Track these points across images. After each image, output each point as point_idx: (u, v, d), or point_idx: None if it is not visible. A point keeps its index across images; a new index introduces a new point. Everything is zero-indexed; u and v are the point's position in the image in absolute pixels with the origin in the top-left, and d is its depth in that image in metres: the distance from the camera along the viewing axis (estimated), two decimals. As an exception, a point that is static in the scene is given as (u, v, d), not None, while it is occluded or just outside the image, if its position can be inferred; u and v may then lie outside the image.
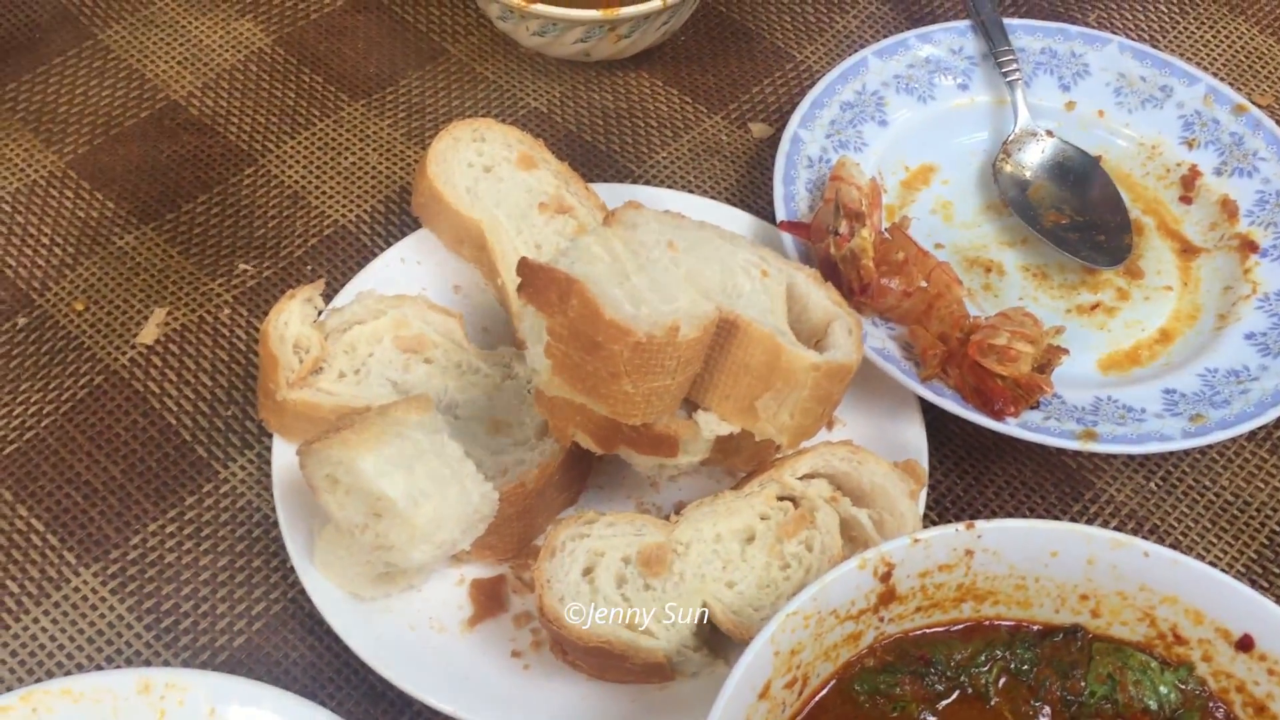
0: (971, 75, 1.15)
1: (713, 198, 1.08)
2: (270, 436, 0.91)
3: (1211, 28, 1.28)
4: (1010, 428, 0.90)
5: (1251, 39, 1.27)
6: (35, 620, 0.86)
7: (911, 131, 1.12)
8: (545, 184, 1.00)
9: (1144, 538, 0.74)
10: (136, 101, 1.16)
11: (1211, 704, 0.74)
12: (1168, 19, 1.29)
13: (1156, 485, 0.97)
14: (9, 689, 0.81)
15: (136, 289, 1.03)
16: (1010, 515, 0.95)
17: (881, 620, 0.74)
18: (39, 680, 0.81)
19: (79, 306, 1.02)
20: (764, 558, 0.83)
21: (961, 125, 1.14)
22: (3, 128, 1.13)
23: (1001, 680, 0.74)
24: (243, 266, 1.05)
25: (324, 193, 1.11)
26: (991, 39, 1.14)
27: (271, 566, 0.89)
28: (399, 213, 1.10)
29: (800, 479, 0.85)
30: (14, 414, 0.96)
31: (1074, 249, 1.05)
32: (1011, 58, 1.13)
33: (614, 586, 0.81)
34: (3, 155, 1.11)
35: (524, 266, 0.78)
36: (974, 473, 0.97)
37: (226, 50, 1.20)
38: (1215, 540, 0.94)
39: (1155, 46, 1.24)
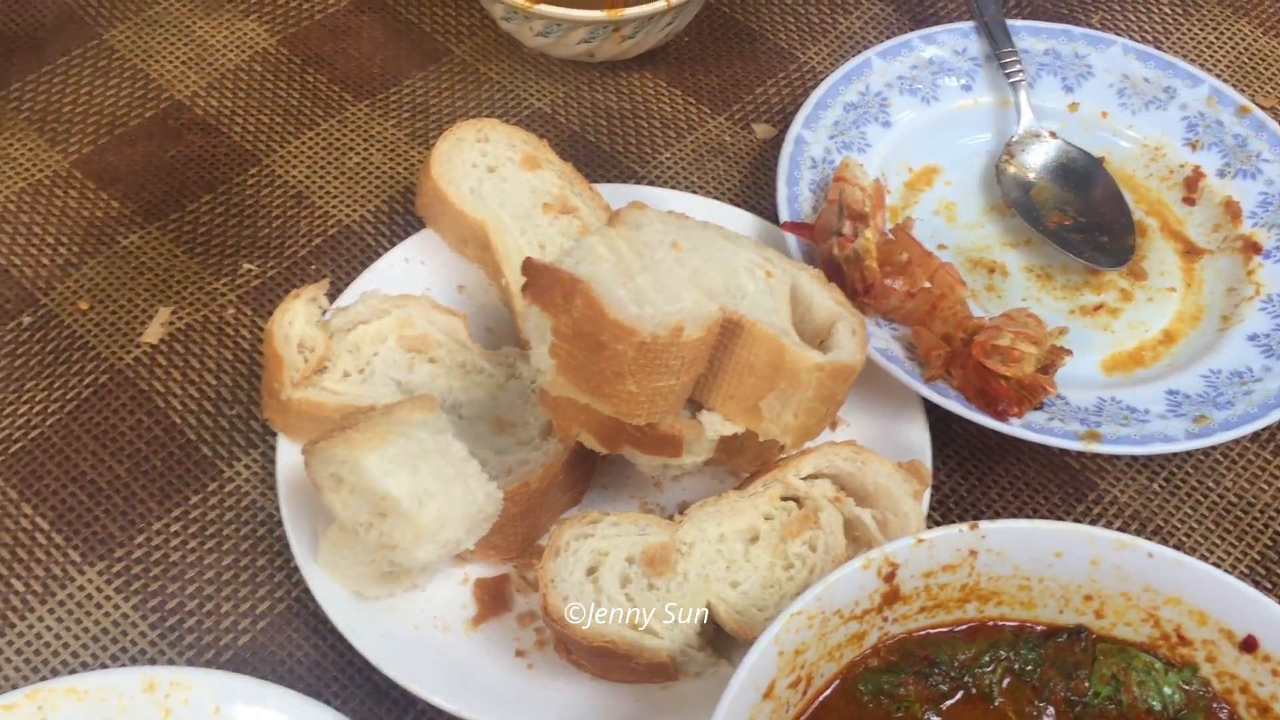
0: (975, 76, 1.15)
1: (716, 198, 1.08)
2: (274, 436, 0.91)
3: (1215, 29, 1.28)
4: (1014, 428, 0.90)
5: (1255, 41, 1.27)
6: (40, 619, 0.86)
7: (915, 132, 1.12)
8: (549, 184, 1.01)
9: (1147, 539, 0.74)
10: (141, 101, 1.16)
11: (1215, 705, 0.74)
12: (1171, 21, 1.29)
13: (1160, 486, 0.97)
14: (14, 687, 0.81)
15: (141, 288, 1.04)
16: (1013, 516, 0.95)
17: (885, 620, 0.74)
18: (44, 678, 0.81)
19: (84, 305, 1.02)
20: (768, 558, 0.83)
21: (965, 126, 1.14)
22: (8, 127, 1.13)
23: (1005, 681, 0.74)
24: (247, 266, 1.05)
25: (328, 193, 1.11)
26: (995, 40, 1.14)
27: (276, 565, 0.89)
28: (403, 213, 1.10)
29: (804, 479, 0.86)
30: (19, 412, 0.96)
31: (1077, 250, 1.05)
32: (1015, 59, 1.13)
33: (618, 586, 0.81)
34: (8, 155, 1.11)
35: (529, 266, 0.78)
36: (977, 473, 0.97)
37: (231, 50, 1.20)
38: (1219, 541, 0.95)
39: (1159, 48, 1.24)
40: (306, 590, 0.86)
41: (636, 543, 0.82)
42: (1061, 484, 0.97)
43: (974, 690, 0.74)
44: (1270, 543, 0.95)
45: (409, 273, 0.99)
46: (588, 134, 1.16)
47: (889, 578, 0.73)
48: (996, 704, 0.74)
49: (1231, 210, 1.08)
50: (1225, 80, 1.22)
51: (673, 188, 1.11)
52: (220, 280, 1.04)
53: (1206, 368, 0.98)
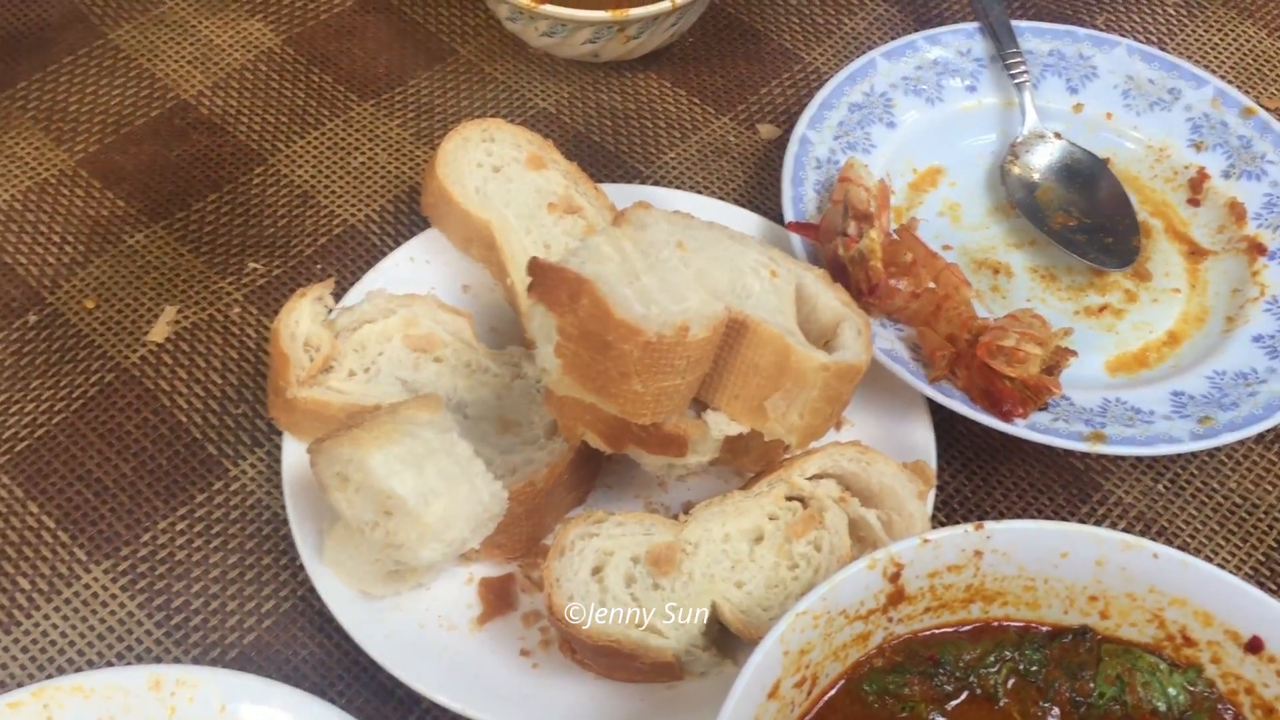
0: (979, 77, 1.15)
1: (721, 198, 1.08)
2: (280, 434, 0.91)
3: (1220, 31, 1.28)
4: (1018, 429, 0.90)
5: (1260, 42, 1.27)
6: (46, 617, 0.87)
7: (919, 133, 1.12)
8: (554, 184, 1.01)
9: (1152, 540, 0.74)
10: (147, 100, 1.16)
11: (1220, 706, 0.74)
12: (1176, 22, 1.29)
13: (1164, 487, 0.97)
14: (20, 685, 0.81)
15: (147, 287, 1.04)
16: (1018, 516, 0.95)
17: (890, 620, 0.74)
18: (50, 676, 0.81)
19: (89, 304, 1.02)
20: (772, 558, 0.83)
21: (969, 127, 1.14)
22: (13, 126, 1.14)
23: (1010, 681, 0.74)
24: (252, 265, 1.06)
25: (333, 192, 1.11)
26: (1000, 41, 1.15)
27: (281, 564, 0.89)
28: (408, 212, 1.10)
29: (809, 479, 0.86)
30: (25, 411, 0.96)
31: (1082, 251, 1.05)
32: (1019, 60, 1.13)
33: (623, 586, 0.81)
34: (14, 154, 1.12)
35: (534, 266, 0.78)
36: (982, 474, 0.97)
37: (236, 50, 1.21)
38: (1223, 542, 0.95)
39: (1163, 49, 1.24)
40: (312, 589, 0.86)
41: (642, 542, 0.82)
42: (1066, 485, 0.97)
43: (979, 691, 0.74)
44: (1275, 544, 0.95)
45: (414, 272, 0.99)
46: (592, 134, 1.16)
47: (894, 578, 0.73)
48: (1001, 704, 0.74)
49: (1236, 211, 1.09)
50: (1230, 82, 1.22)
51: (677, 188, 1.12)
52: (226, 279, 1.05)
53: (1211, 369, 0.98)
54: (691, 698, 0.81)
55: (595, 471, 0.92)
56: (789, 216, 1.01)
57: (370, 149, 1.14)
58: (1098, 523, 0.95)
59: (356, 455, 0.78)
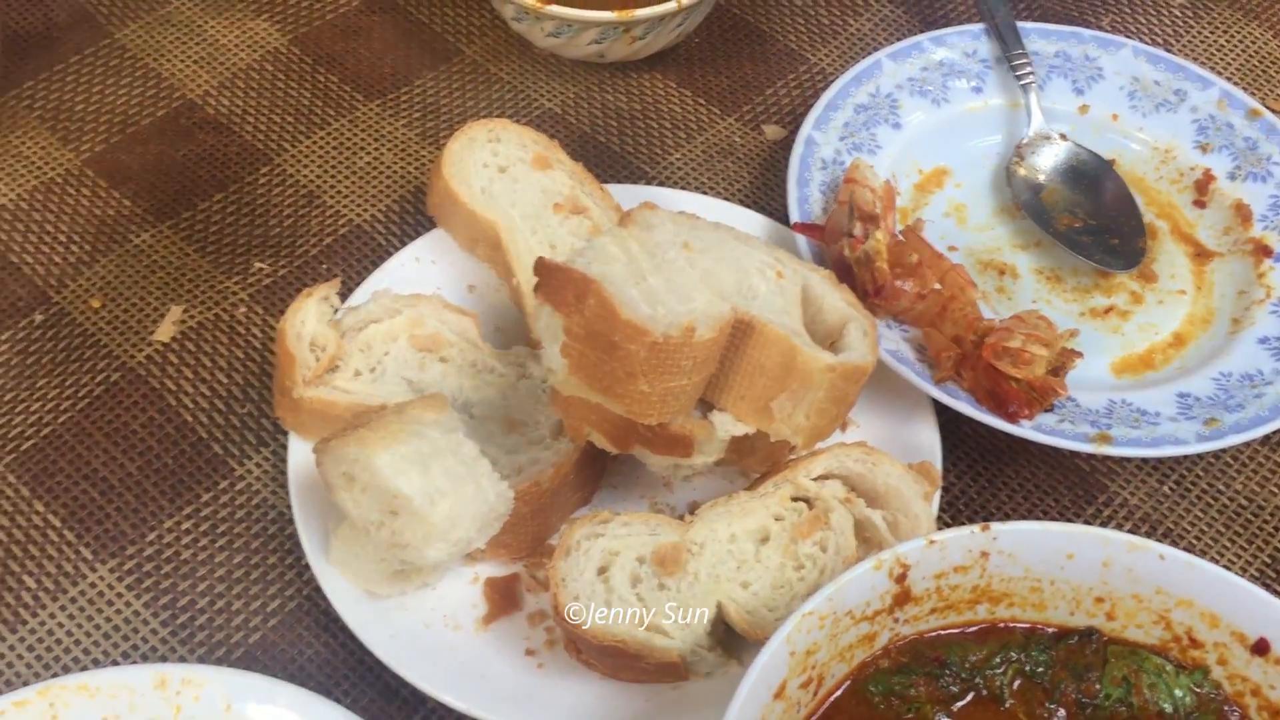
0: (985, 78, 1.15)
1: (726, 199, 1.09)
2: (286, 434, 0.91)
3: (1225, 32, 1.28)
4: (1024, 430, 0.90)
5: (1266, 44, 1.27)
6: (52, 615, 0.87)
7: (925, 134, 1.12)
8: (560, 184, 1.01)
9: (1157, 541, 0.74)
10: (153, 100, 1.16)
11: (1226, 708, 0.74)
12: (1181, 23, 1.29)
13: (1170, 489, 0.97)
14: (26, 684, 0.82)
15: (153, 286, 1.04)
16: (1024, 518, 0.95)
17: (896, 621, 0.74)
18: (56, 675, 0.82)
19: (95, 304, 1.02)
20: (778, 558, 0.83)
21: (975, 128, 1.14)
22: (20, 126, 1.14)
23: (1016, 682, 0.74)
24: (258, 265, 1.06)
25: (339, 192, 1.11)
26: (1005, 42, 1.14)
27: (287, 564, 0.89)
28: (414, 212, 1.10)
29: (814, 480, 0.86)
30: (31, 410, 0.96)
31: (1087, 252, 1.05)
32: (1025, 61, 1.13)
33: (629, 586, 0.81)
34: (20, 153, 1.12)
35: (541, 266, 0.78)
36: (987, 475, 0.97)
37: (242, 50, 1.21)
38: (1229, 544, 0.94)
39: (1169, 51, 1.24)
40: (317, 588, 0.86)
41: (647, 542, 0.82)
42: (1072, 486, 0.97)
43: (985, 692, 0.74)
44: (1280, 546, 0.95)
45: (420, 272, 0.99)
46: (598, 134, 1.16)
47: (900, 579, 0.73)
48: (1007, 705, 0.74)
49: (1242, 213, 1.08)
50: (1236, 83, 1.22)
51: (683, 188, 1.12)
52: (232, 279, 1.05)
53: (1217, 370, 0.98)
54: (697, 698, 0.81)
55: (600, 472, 0.92)
56: (794, 217, 1.01)
57: (376, 149, 1.14)
58: (1103, 524, 0.95)
59: (363, 455, 0.78)
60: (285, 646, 0.86)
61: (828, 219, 1.00)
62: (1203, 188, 1.11)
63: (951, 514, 0.95)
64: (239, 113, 1.16)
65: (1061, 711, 0.73)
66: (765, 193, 1.13)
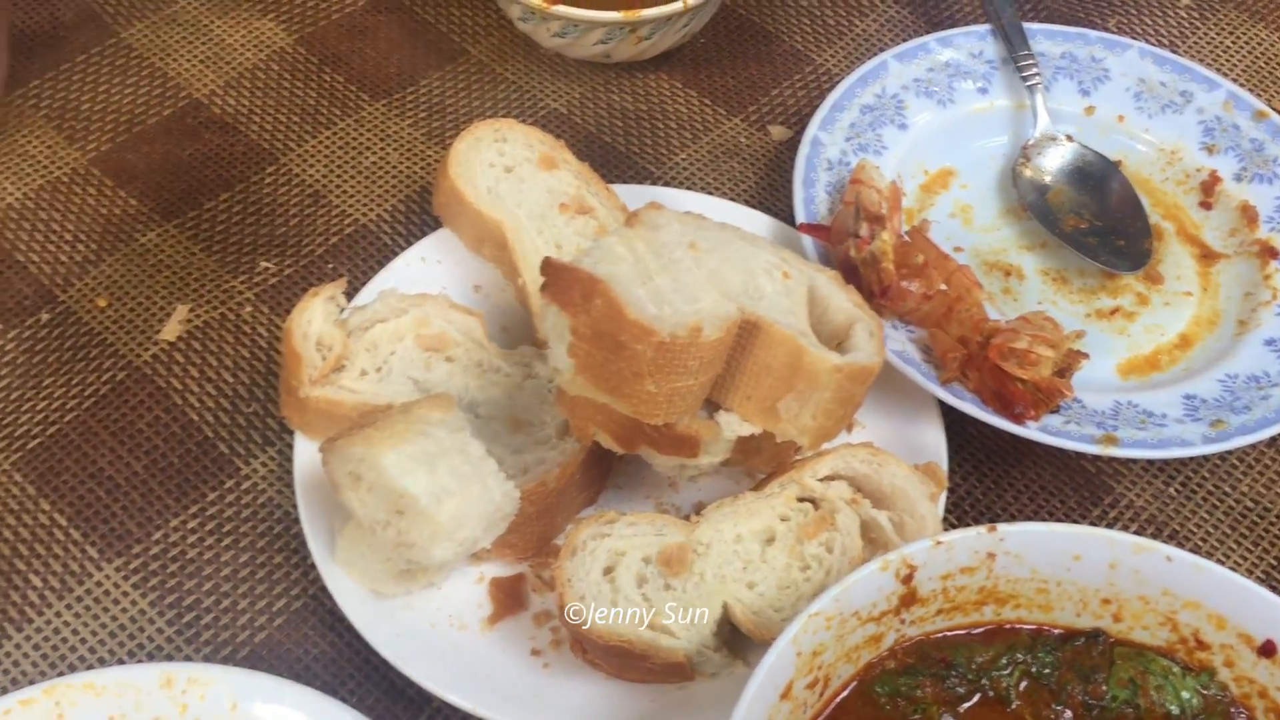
0: (991, 79, 1.15)
1: (732, 200, 1.08)
2: (291, 433, 0.91)
3: (1232, 34, 1.28)
4: (1030, 431, 0.90)
5: (1272, 45, 1.27)
6: (58, 614, 0.87)
7: (931, 135, 1.12)
8: (566, 184, 1.01)
9: (1163, 543, 0.74)
10: (159, 99, 1.16)
11: (1233, 710, 0.74)
12: (1187, 24, 1.29)
13: (1176, 490, 0.97)
14: (32, 682, 0.82)
15: (159, 286, 1.04)
16: (1029, 519, 0.94)
17: (903, 622, 0.74)
18: (62, 674, 0.82)
19: (102, 303, 1.03)
20: (784, 559, 0.83)
21: (981, 129, 1.14)
22: (26, 125, 1.14)
23: (1023, 684, 0.74)
24: (264, 264, 1.06)
25: (345, 192, 1.11)
26: (1011, 43, 1.14)
27: (292, 563, 0.90)
28: (419, 212, 1.10)
29: (821, 481, 0.86)
30: (37, 409, 0.96)
31: (1093, 254, 1.05)
32: (1031, 62, 1.13)
33: (634, 586, 0.81)
34: (26, 152, 1.12)
35: (548, 266, 0.78)
36: (993, 476, 0.97)
37: (248, 49, 1.21)
38: (1235, 546, 0.94)
39: (1175, 52, 1.24)
40: (323, 588, 0.86)
41: (653, 543, 0.82)
42: (1077, 487, 0.97)
43: (991, 693, 0.74)
44: (1287, 548, 0.94)
45: (426, 272, 0.99)
46: (604, 135, 1.16)
47: (907, 580, 0.73)
48: (1014, 707, 0.74)
49: (1248, 215, 1.08)
50: (1242, 84, 1.22)
51: (688, 189, 1.12)
52: (238, 278, 1.05)
53: (1223, 372, 0.98)
54: (703, 698, 0.81)
55: (606, 472, 0.92)
56: (800, 218, 1.01)
57: (382, 149, 1.14)
58: (1109, 526, 0.95)
59: (369, 454, 0.78)
60: (291, 646, 0.86)
61: (834, 220, 1.00)
62: (1209, 189, 1.11)
63: (957, 515, 0.95)
64: (245, 112, 1.16)
65: (1068, 713, 0.73)
66: (771, 193, 1.13)
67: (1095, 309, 1.04)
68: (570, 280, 0.77)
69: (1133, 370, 1.01)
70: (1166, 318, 1.04)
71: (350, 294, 0.97)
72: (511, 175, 1.01)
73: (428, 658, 0.81)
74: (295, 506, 0.87)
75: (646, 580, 0.81)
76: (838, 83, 1.11)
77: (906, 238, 0.98)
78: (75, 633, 0.86)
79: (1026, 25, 1.16)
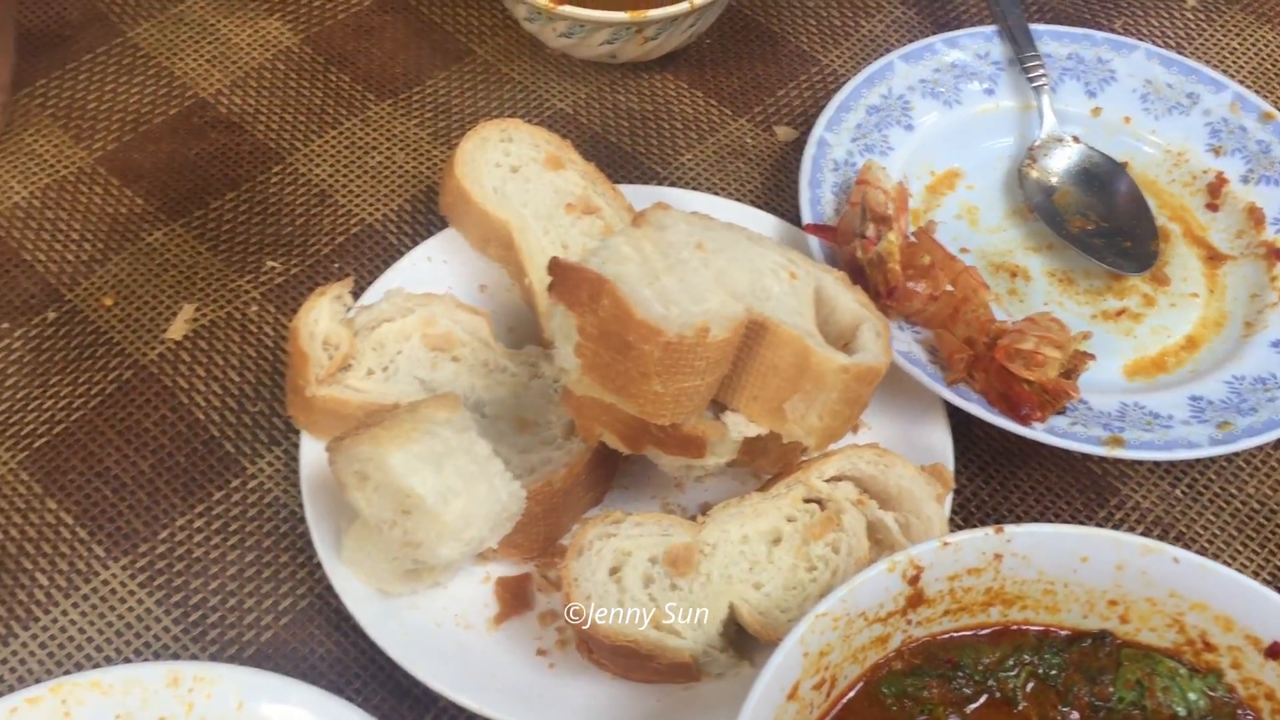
0: (997, 80, 1.15)
1: (738, 200, 1.08)
2: (298, 433, 0.91)
3: (1238, 35, 1.28)
4: (1036, 433, 0.90)
5: (1278, 47, 1.27)
6: (64, 613, 0.87)
7: (937, 136, 1.12)
8: (572, 184, 1.01)
9: (1170, 545, 0.74)
10: (165, 99, 1.16)
11: (1240, 711, 0.74)
12: (1194, 26, 1.29)
13: (1182, 492, 0.97)
14: (38, 681, 0.82)
15: (165, 285, 1.04)
16: (1035, 520, 0.94)
17: (909, 623, 0.74)
18: (68, 672, 0.82)
19: (108, 302, 1.03)
20: (790, 559, 0.83)
21: (987, 130, 1.14)
22: (33, 124, 1.14)
23: (1029, 685, 0.74)
24: (270, 264, 1.06)
25: (351, 191, 1.11)
26: (1018, 44, 1.14)
27: (299, 562, 0.90)
28: (426, 212, 1.10)
29: (827, 481, 0.86)
30: (44, 408, 0.96)
31: (1100, 255, 1.05)
32: (1038, 63, 1.13)
33: (641, 586, 0.81)
34: (33, 151, 1.12)
35: (555, 266, 0.78)
36: (999, 477, 0.97)
37: (255, 49, 1.21)
38: (1241, 548, 0.94)
39: (1181, 53, 1.24)
40: (329, 587, 0.86)
41: (660, 543, 0.82)
42: (1084, 489, 0.97)
43: (998, 694, 0.74)
44: (1293, 550, 0.94)
45: (431, 272, 0.99)
46: (610, 135, 1.16)
47: (914, 581, 0.73)
48: (1020, 708, 0.74)
49: (1255, 216, 1.08)
50: (1248, 86, 1.22)
51: (694, 189, 1.12)
52: (244, 277, 1.05)
53: (1230, 374, 0.98)
54: (709, 698, 0.81)
55: (612, 472, 0.92)
56: (807, 219, 1.01)
57: (388, 148, 1.14)
58: (1115, 527, 0.94)
59: (376, 454, 0.78)
60: (297, 645, 0.86)
61: (840, 220, 1.00)
62: (1215, 191, 1.11)
63: (963, 516, 0.95)
64: (251, 112, 1.16)
65: (1075, 714, 0.73)
66: (777, 194, 1.13)
67: (1101, 310, 1.04)
68: (577, 280, 0.77)
69: (1139, 372, 1.01)
70: (1173, 319, 1.04)
71: (356, 293, 0.97)
72: (518, 175, 1.01)
73: (433, 657, 0.81)
74: (301, 506, 0.87)
75: (653, 580, 0.81)
76: (844, 83, 1.11)
77: (913, 238, 0.98)
78: (82, 631, 0.86)
79: (1033, 26, 1.16)
